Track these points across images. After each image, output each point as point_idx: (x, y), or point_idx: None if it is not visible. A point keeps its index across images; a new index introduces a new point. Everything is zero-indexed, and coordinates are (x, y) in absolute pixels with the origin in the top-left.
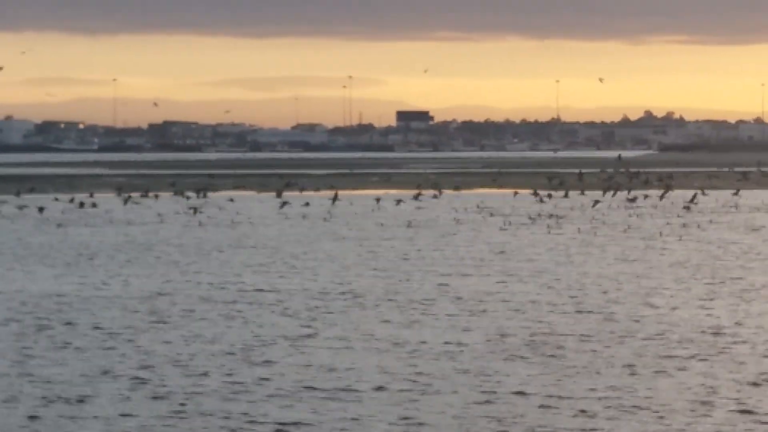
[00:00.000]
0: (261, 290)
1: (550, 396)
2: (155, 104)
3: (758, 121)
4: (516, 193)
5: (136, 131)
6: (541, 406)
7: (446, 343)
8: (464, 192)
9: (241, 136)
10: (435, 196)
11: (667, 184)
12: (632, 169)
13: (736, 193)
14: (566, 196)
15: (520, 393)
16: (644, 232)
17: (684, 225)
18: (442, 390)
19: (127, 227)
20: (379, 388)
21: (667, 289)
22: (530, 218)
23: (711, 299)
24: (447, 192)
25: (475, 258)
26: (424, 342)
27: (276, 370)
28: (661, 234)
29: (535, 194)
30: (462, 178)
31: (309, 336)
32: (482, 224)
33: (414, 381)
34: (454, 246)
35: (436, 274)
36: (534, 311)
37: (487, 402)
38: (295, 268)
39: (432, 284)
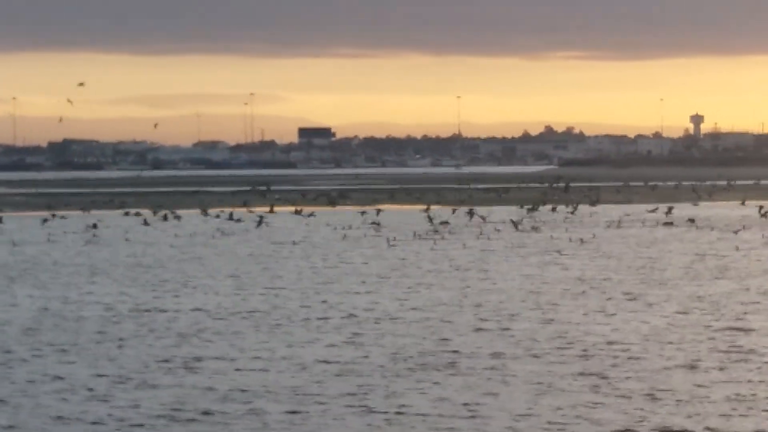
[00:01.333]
0: (150, 310)
1: (442, 415)
2: (60, 120)
3: (656, 135)
4: (428, 209)
5: (35, 149)
6: (435, 426)
7: (327, 362)
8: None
9: (142, 154)
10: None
11: (592, 198)
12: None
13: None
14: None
15: (406, 407)
16: (541, 247)
17: (581, 239)
18: (331, 408)
19: (20, 247)
20: (257, 412)
21: (560, 304)
22: (416, 234)
23: (609, 313)
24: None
25: (366, 274)
26: (319, 360)
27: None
28: (559, 249)
29: (427, 210)
30: (364, 195)
31: (195, 358)
32: (371, 240)
33: (300, 397)
34: (338, 263)
35: (313, 291)
36: (425, 328)
37: (387, 422)
38: (186, 287)
39: (315, 301)
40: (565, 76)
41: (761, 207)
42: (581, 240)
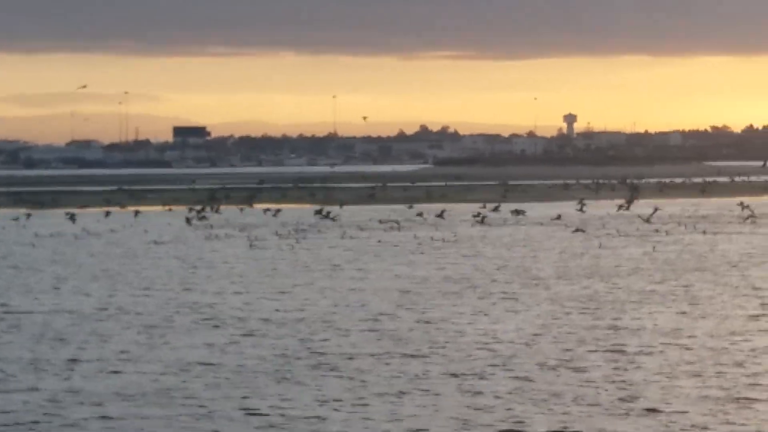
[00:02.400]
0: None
1: (282, 415)
2: None
3: (531, 134)
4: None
5: None
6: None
7: (204, 363)
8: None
9: (14, 153)
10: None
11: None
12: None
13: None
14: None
15: (278, 407)
16: (406, 246)
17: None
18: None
19: None
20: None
21: (433, 303)
22: (277, 234)
23: (483, 312)
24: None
25: (236, 274)
26: (190, 361)
27: None
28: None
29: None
30: (236, 194)
31: (70, 359)
32: (234, 241)
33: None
34: (204, 262)
35: (175, 291)
36: (296, 329)
37: (268, 424)
38: (55, 288)
39: (175, 302)
40: (440, 76)
41: (621, 205)
42: (443, 239)
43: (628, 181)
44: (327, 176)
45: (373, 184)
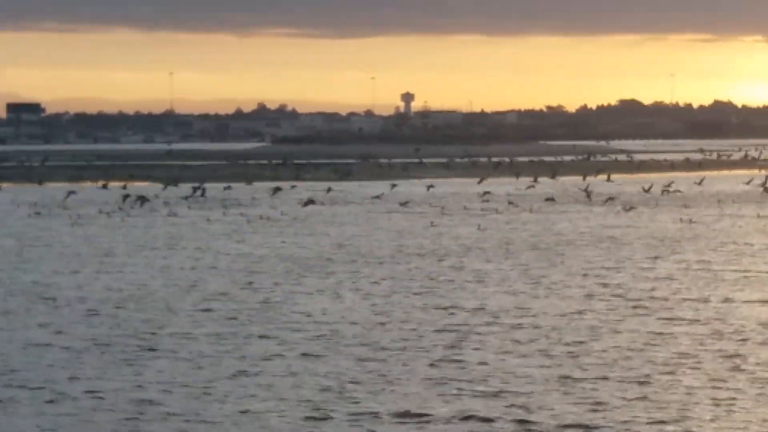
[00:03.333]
0: None
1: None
2: None
3: (368, 113)
4: (104, 186)
5: None
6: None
7: (34, 344)
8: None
9: None
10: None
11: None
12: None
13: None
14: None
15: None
16: (234, 225)
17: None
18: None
19: None
20: None
21: (271, 283)
22: (102, 211)
23: (322, 291)
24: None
25: (64, 254)
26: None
27: None
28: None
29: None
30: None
31: None
32: (64, 218)
33: None
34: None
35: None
36: (126, 309)
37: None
38: None
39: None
40: (277, 53)
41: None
42: (268, 218)
43: (494, 159)
44: (163, 155)
45: (219, 162)
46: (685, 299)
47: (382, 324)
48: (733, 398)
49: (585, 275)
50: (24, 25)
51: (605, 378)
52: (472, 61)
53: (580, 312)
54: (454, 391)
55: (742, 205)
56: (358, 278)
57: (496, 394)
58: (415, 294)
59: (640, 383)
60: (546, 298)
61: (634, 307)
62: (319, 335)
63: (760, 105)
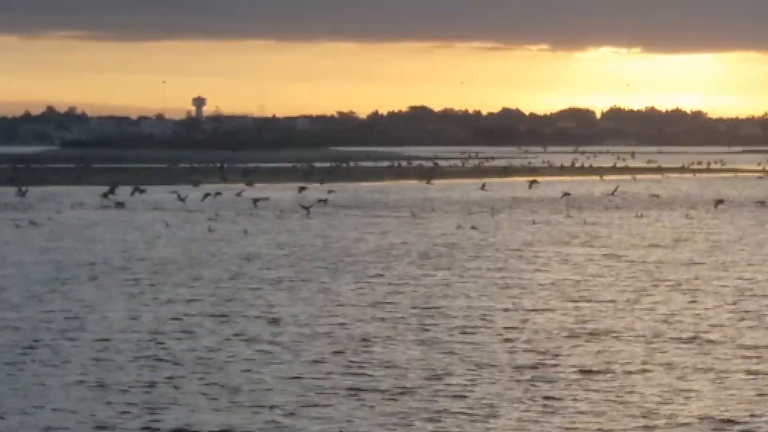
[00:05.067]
0: None
1: None
2: None
3: (159, 117)
4: None
5: None
6: None
7: None
8: None
9: None
10: None
11: None
12: None
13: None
14: None
15: None
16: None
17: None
18: None
19: None
20: None
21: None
22: None
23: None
24: None
25: None
26: None
27: None
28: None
29: None
30: None
31: None
32: None
33: None
34: None
35: None
36: None
37: None
38: None
39: None
40: (66, 56)
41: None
42: (35, 222)
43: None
44: None
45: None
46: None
47: (166, 335)
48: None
49: (369, 283)
50: None
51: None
52: (263, 65)
53: (368, 319)
54: (228, 405)
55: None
56: (147, 287)
57: (260, 409)
58: (209, 304)
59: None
60: (342, 307)
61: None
62: (121, 344)
63: (548, 113)
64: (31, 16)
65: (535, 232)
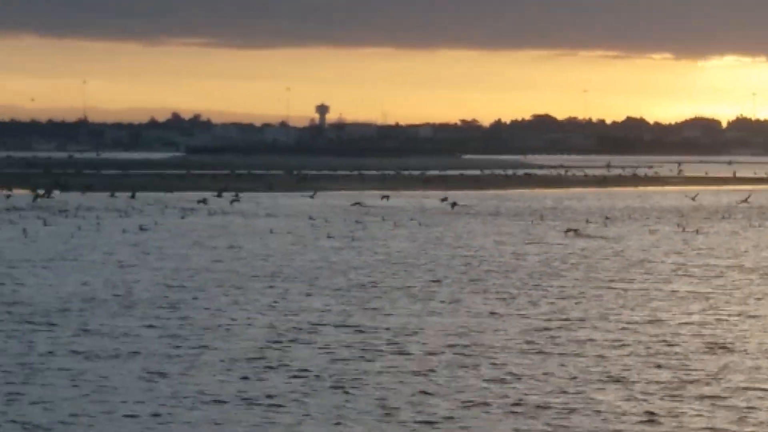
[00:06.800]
0: None
1: None
2: None
3: (283, 124)
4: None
5: None
6: None
7: None
8: None
9: None
10: None
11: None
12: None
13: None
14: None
15: None
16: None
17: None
18: None
19: None
20: None
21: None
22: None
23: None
24: None
25: None
26: None
27: None
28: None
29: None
30: None
31: None
32: None
33: None
34: None
35: None
36: None
37: None
38: None
39: None
40: (190, 63)
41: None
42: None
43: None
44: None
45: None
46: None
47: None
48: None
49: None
50: None
51: None
52: (385, 73)
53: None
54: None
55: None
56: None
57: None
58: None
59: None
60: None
61: None
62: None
63: (672, 122)
64: (153, 23)
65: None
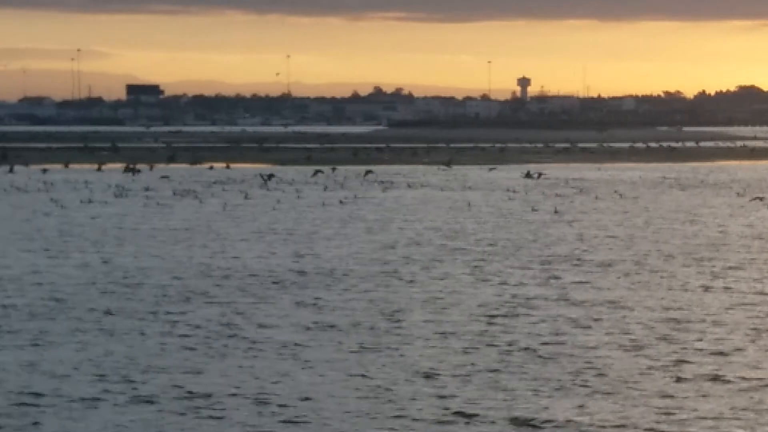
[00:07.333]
0: None
1: None
2: None
3: (484, 98)
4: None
5: None
6: None
7: None
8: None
9: None
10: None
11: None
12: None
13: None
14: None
15: None
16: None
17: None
18: None
19: None
20: None
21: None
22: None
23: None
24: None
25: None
26: None
27: None
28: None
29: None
30: (196, 153)
31: None
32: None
33: None
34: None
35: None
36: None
37: None
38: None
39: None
40: (391, 37)
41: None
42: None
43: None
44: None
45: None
46: None
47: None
48: None
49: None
50: (132, 7)
51: None
52: (587, 45)
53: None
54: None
55: None
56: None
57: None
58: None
59: None
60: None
61: None
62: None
63: None
64: None
65: None
